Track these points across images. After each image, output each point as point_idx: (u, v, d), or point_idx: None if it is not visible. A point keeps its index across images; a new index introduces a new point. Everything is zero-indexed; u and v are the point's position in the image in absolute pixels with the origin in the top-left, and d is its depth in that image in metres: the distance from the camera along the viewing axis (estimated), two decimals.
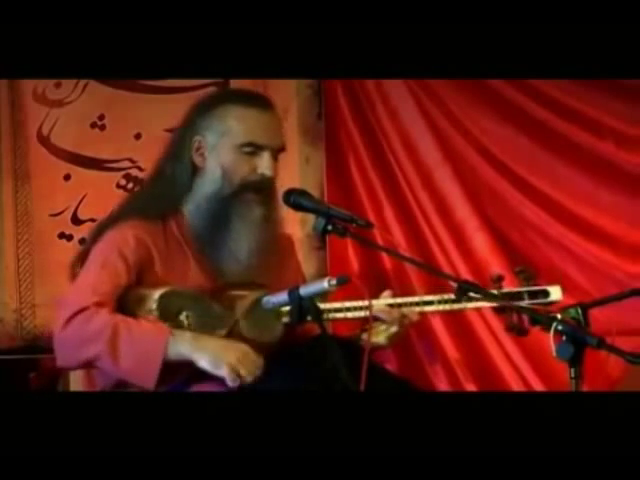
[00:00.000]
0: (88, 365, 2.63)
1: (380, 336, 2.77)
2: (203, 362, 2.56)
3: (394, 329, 2.76)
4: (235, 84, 3.91)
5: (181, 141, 2.79)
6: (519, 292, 2.82)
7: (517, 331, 2.78)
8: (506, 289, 2.81)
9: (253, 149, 2.72)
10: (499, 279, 2.81)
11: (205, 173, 2.75)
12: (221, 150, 2.74)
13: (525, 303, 2.79)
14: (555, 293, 2.83)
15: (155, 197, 2.79)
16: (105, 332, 2.54)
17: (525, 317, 2.75)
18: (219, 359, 2.55)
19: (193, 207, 2.75)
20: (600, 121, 3.94)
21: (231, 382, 2.54)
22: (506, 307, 2.77)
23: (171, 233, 2.75)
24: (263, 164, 2.72)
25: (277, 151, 2.76)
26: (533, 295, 2.82)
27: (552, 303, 2.81)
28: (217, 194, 2.73)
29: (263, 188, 2.74)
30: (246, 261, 2.72)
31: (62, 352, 2.61)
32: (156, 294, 2.60)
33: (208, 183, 2.74)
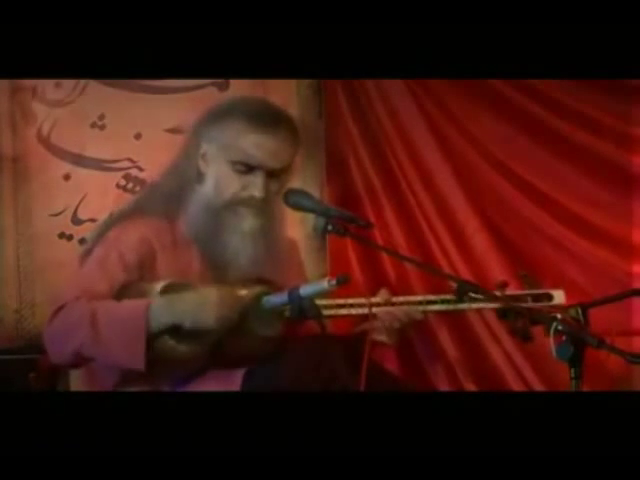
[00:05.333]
0: (78, 357, 2.60)
1: (383, 334, 2.76)
2: (187, 324, 2.55)
3: (396, 325, 2.75)
4: (235, 84, 3.91)
5: (192, 142, 2.80)
6: (522, 295, 2.82)
7: (522, 335, 2.77)
8: (509, 292, 2.81)
9: (245, 168, 2.72)
10: (503, 285, 2.81)
11: (205, 181, 2.76)
12: (218, 163, 2.74)
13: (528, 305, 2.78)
14: (558, 297, 2.83)
15: (163, 195, 2.80)
16: (84, 319, 2.54)
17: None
18: (200, 320, 2.55)
19: (190, 212, 2.75)
20: (600, 121, 3.94)
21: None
22: (508, 312, 2.76)
23: (179, 232, 2.76)
24: (254, 184, 2.71)
25: (277, 170, 2.73)
26: (536, 298, 2.82)
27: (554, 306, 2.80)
28: (209, 205, 2.73)
29: (254, 205, 2.73)
30: (246, 271, 2.72)
31: (51, 347, 2.62)
32: (158, 286, 2.61)
33: (204, 192, 2.75)
